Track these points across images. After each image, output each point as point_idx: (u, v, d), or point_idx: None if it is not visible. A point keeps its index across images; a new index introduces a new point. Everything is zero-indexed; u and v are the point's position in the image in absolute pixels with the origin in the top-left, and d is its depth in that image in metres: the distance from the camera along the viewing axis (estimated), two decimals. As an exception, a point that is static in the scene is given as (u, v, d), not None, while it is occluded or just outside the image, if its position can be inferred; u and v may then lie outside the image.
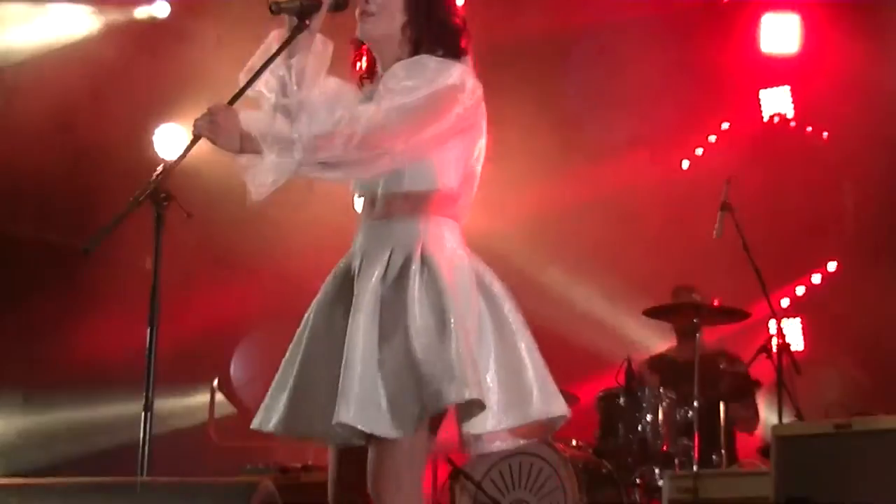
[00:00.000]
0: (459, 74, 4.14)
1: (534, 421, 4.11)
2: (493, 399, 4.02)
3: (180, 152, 3.86)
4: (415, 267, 4.05)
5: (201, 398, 9.88)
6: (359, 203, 4.33)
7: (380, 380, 3.96)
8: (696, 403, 7.74)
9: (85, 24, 9.77)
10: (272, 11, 4.14)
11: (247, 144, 3.96)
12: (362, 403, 3.91)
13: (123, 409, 9.20)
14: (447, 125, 4.10)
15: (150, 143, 9.97)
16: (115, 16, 9.86)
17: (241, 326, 10.16)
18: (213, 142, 3.93)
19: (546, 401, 4.10)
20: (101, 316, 9.38)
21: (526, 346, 4.13)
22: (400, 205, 4.18)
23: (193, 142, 3.88)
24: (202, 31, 9.79)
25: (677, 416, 7.94)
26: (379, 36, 4.29)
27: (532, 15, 9.69)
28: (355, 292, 4.08)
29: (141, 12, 10.07)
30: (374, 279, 4.07)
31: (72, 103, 9.35)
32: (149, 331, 4.23)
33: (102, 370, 9.27)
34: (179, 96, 9.58)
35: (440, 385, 3.87)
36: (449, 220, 4.21)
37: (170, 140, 9.92)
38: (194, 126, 3.91)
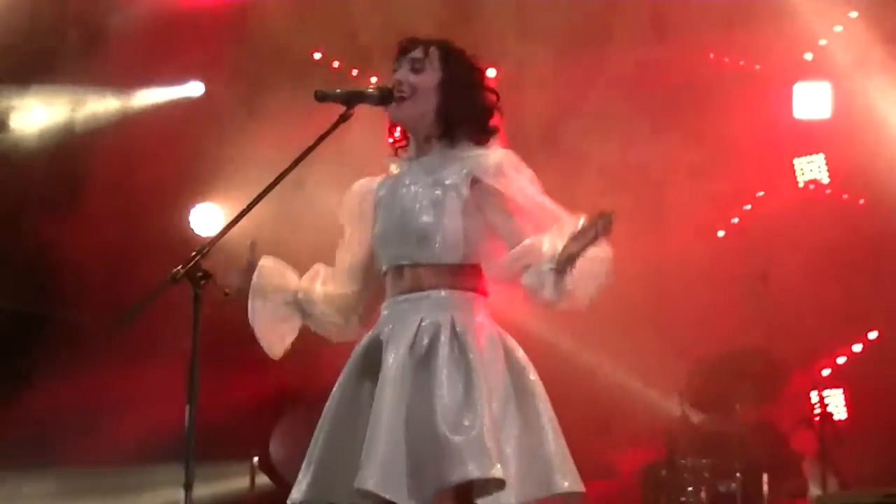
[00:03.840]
0: None
1: (551, 496, 4.11)
2: (511, 471, 4.02)
3: (218, 231, 3.89)
4: (444, 338, 4.09)
5: (241, 477, 9.84)
6: (389, 279, 4.36)
7: (404, 449, 3.99)
8: (738, 475, 7.68)
9: (118, 106, 9.88)
10: (317, 98, 4.26)
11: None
12: (385, 471, 3.95)
13: (162, 487, 9.21)
14: None
15: (187, 223, 10.01)
16: (150, 97, 9.95)
17: (281, 404, 10.14)
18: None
19: (564, 476, 4.11)
20: (139, 394, 9.38)
21: (548, 421, 4.15)
22: (429, 276, 4.22)
23: None
24: (235, 109, 9.87)
25: (720, 489, 7.87)
26: (409, 119, 4.35)
27: (560, 90, 9.73)
28: (384, 361, 4.12)
29: (175, 93, 10.17)
30: (402, 348, 4.12)
31: (108, 184, 9.41)
32: (188, 408, 4.22)
33: (141, 449, 9.26)
34: (214, 176, 9.64)
35: (463, 460, 3.89)
36: (476, 293, 4.24)
37: (206, 219, 9.97)
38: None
